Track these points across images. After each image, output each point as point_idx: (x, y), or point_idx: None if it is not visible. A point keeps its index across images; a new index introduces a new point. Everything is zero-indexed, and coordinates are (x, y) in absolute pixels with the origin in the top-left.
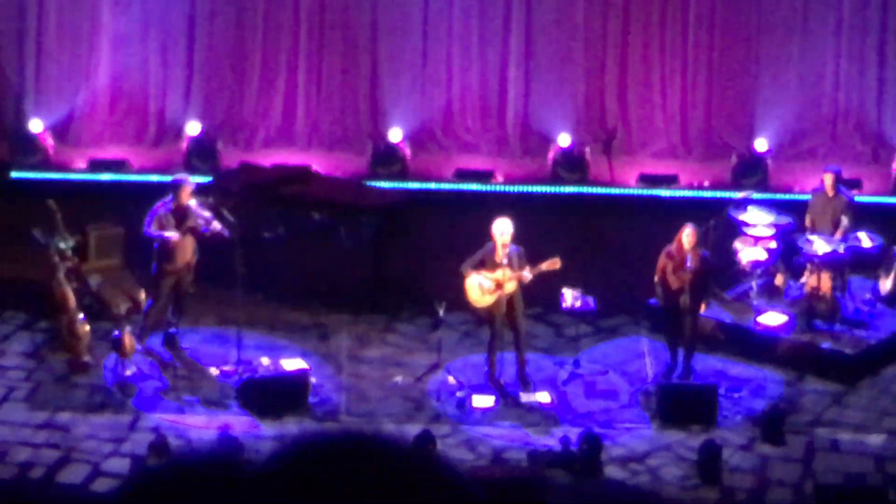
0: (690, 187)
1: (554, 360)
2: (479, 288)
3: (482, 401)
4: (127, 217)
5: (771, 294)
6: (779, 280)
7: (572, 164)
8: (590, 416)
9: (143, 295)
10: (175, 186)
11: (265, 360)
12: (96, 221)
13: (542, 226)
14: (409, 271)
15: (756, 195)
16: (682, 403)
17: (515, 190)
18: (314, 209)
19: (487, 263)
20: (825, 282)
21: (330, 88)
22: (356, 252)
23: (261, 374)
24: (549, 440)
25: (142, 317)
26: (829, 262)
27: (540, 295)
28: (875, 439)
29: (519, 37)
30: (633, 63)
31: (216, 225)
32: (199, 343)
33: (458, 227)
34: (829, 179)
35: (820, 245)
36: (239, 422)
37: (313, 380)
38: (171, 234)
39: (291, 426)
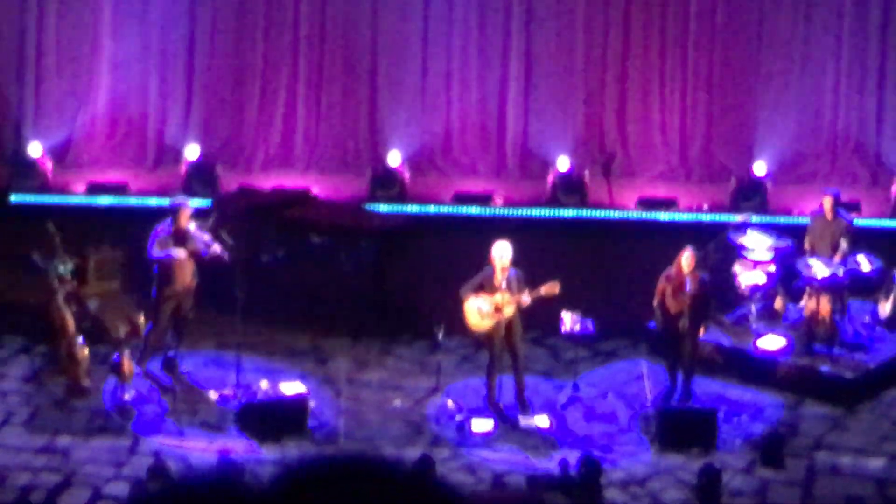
0: (689, 210)
1: (553, 384)
2: (479, 312)
3: (481, 424)
4: (126, 240)
5: (770, 317)
6: (778, 303)
7: (571, 188)
8: (589, 439)
9: (142, 318)
10: (174, 210)
11: (264, 384)
12: (95, 245)
13: (541, 249)
14: (409, 295)
15: (755, 218)
16: (682, 427)
17: (514, 213)
18: (314, 232)
19: (486, 287)
20: (824, 305)
21: (329, 112)
22: (355, 275)
23: (260, 398)
24: (549, 464)
25: (141, 340)
26: (828, 286)
27: (539, 318)
28: (875, 463)
29: (518, 60)
30: (632, 87)
31: (216, 248)
32: (199, 367)
33: (457, 250)
34: (828, 202)
35: (819, 268)
36: (238, 445)
37: (312, 403)
38: (178, 253)
39: (291, 450)
